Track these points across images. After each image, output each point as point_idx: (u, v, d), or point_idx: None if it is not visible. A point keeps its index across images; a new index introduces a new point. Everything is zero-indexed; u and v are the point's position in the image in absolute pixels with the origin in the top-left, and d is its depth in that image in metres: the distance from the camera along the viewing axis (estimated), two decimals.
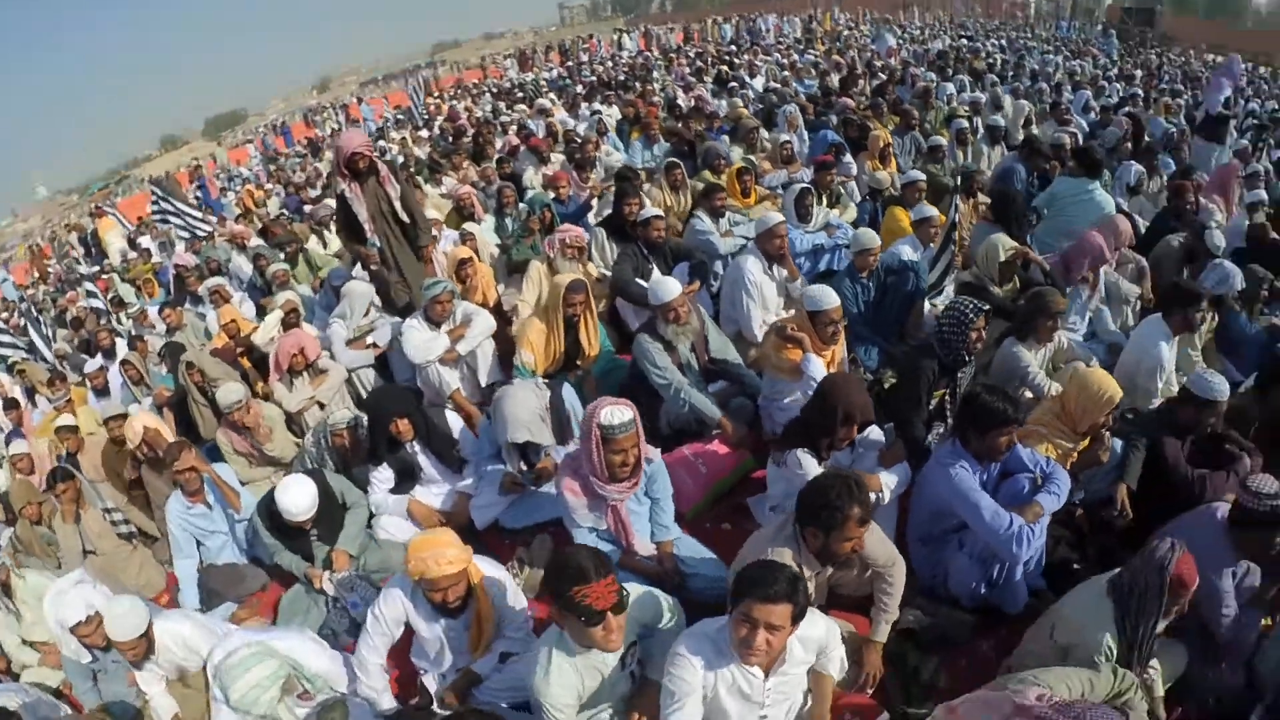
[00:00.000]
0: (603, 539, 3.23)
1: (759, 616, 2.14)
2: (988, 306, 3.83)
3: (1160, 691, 2.60)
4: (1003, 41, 24.21)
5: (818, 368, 3.84)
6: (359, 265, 5.74)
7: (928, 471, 3.25)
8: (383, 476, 4.00)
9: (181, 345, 6.14)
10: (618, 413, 2.99)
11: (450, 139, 14.24)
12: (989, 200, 6.90)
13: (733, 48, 22.29)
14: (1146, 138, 9.72)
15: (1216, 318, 4.96)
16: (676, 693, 2.26)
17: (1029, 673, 2.28)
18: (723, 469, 4.06)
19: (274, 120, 37.81)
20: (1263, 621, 2.97)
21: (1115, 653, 2.48)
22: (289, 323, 5.48)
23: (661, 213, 5.71)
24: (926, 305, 5.42)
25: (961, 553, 3.14)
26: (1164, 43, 29.25)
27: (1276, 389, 3.75)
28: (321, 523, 3.63)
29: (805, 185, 6.27)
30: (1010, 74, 16.02)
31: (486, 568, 2.93)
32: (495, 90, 22.21)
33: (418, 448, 4.06)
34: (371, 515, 4.03)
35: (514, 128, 12.84)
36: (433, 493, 4.15)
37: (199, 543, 4.12)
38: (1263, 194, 7.24)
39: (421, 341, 4.69)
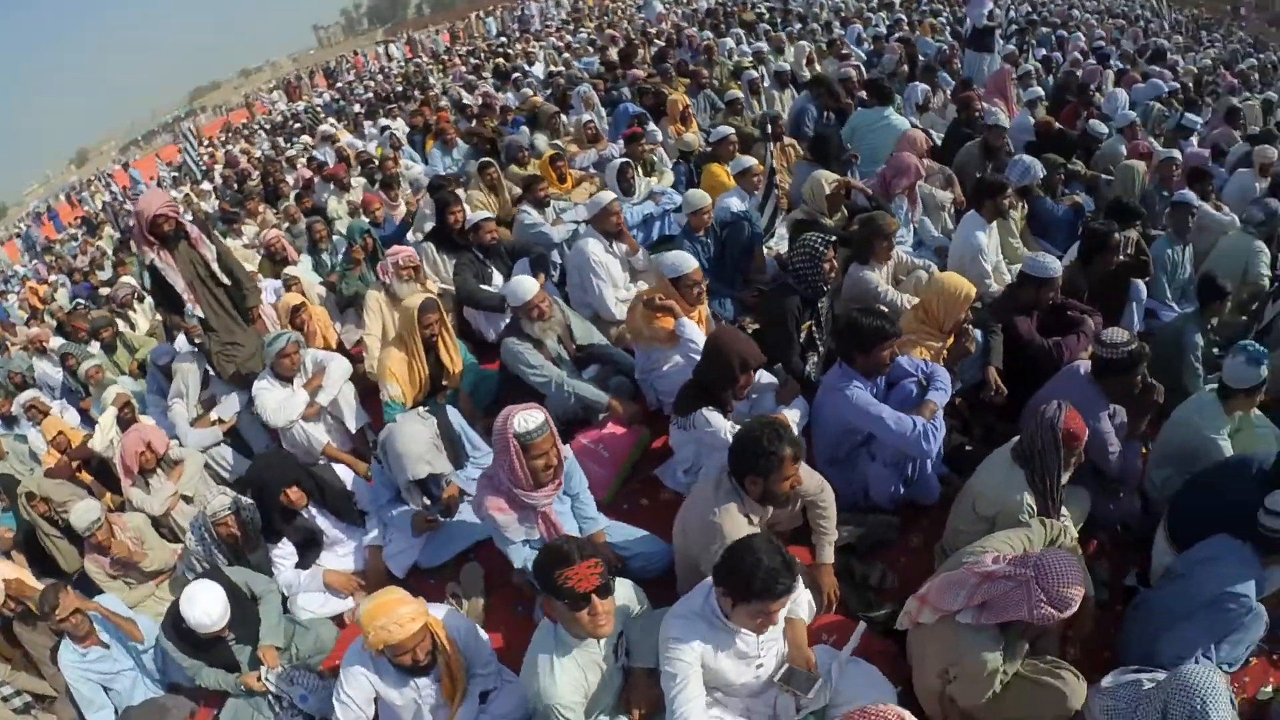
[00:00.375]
0: (537, 548, 3.20)
1: (775, 609, 2.32)
2: (834, 238, 4.20)
3: (1075, 533, 3.02)
4: None
5: (692, 329, 4.07)
6: (182, 337, 5.34)
7: (823, 398, 3.55)
8: (285, 553, 3.78)
9: (11, 477, 5.46)
10: (529, 418, 3.00)
11: (236, 186, 13.71)
12: (802, 141, 7.55)
13: (503, 40, 22.49)
14: (921, 58, 10.83)
15: (1026, 206, 5.71)
16: (678, 675, 2.37)
17: (975, 544, 2.61)
18: (624, 448, 4.19)
19: (35, 208, 35.52)
20: (1142, 450, 3.54)
21: (1035, 509, 2.88)
22: (125, 419, 5.09)
23: (489, 214, 5.75)
24: (764, 250, 5.83)
25: (875, 463, 3.49)
26: None
27: (1097, 257, 4.43)
28: (236, 625, 3.37)
29: (624, 159, 6.50)
30: (779, 20, 17.22)
31: (436, 612, 2.87)
32: (269, 126, 21.58)
33: (314, 511, 3.88)
34: (285, 598, 3.78)
35: (302, 160, 12.49)
36: (340, 555, 3.97)
37: (106, 689, 3.70)
38: (1039, 90, 8.39)
39: (278, 402, 4.47)
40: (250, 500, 3.88)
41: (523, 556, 3.22)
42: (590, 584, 2.34)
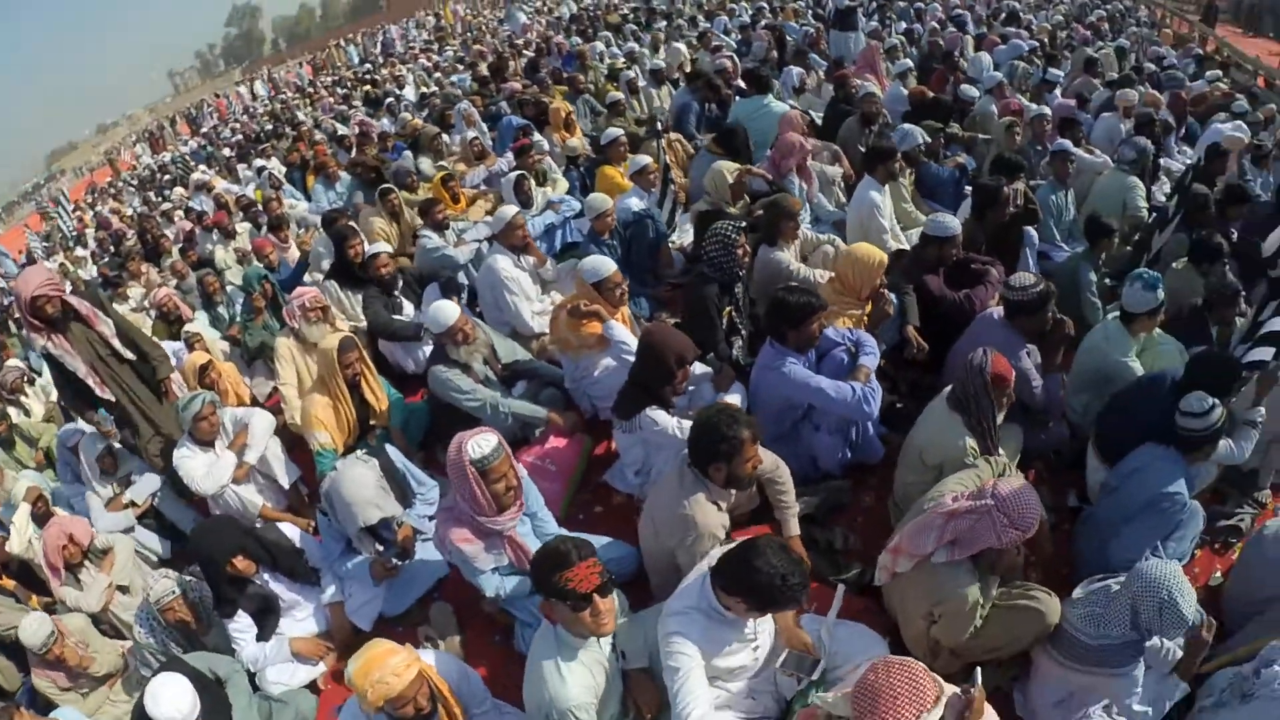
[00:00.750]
0: (507, 574, 3.25)
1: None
2: (744, 224, 4.40)
3: (1014, 467, 3.26)
4: None
5: (621, 331, 4.17)
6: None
7: (760, 378, 3.71)
8: (242, 626, 3.60)
9: None
10: (483, 443, 3.01)
11: (113, 248, 13.12)
12: (688, 135, 7.81)
13: (367, 66, 22.22)
14: (789, 42, 11.31)
15: (912, 172, 6.08)
16: (681, 669, 2.43)
17: (933, 490, 2.82)
18: (570, 459, 4.24)
19: None
20: (1061, 381, 3.91)
21: (977, 450, 3.13)
22: (41, 514, 4.72)
23: (383, 246, 5.67)
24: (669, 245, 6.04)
25: (820, 433, 3.69)
26: None
27: (990, 211, 4.82)
28: (207, 715, 3.18)
29: (518, 172, 6.56)
30: (644, 20, 17.59)
31: (425, 657, 2.84)
32: (136, 182, 20.89)
33: (266, 576, 3.72)
34: (252, 674, 3.60)
35: (179, 213, 12.03)
36: (299, 619, 3.81)
37: None
38: (908, 62, 8.92)
39: (203, 470, 4.27)
40: (195, 577, 3.71)
41: (494, 585, 3.21)
42: (591, 583, 2.38)
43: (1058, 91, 8.47)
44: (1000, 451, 3.25)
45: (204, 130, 24.50)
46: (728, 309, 4.38)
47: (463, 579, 3.63)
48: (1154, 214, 5.53)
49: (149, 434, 4.70)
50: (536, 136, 8.18)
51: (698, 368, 4.06)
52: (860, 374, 3.56)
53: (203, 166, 16.31)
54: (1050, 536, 3.15)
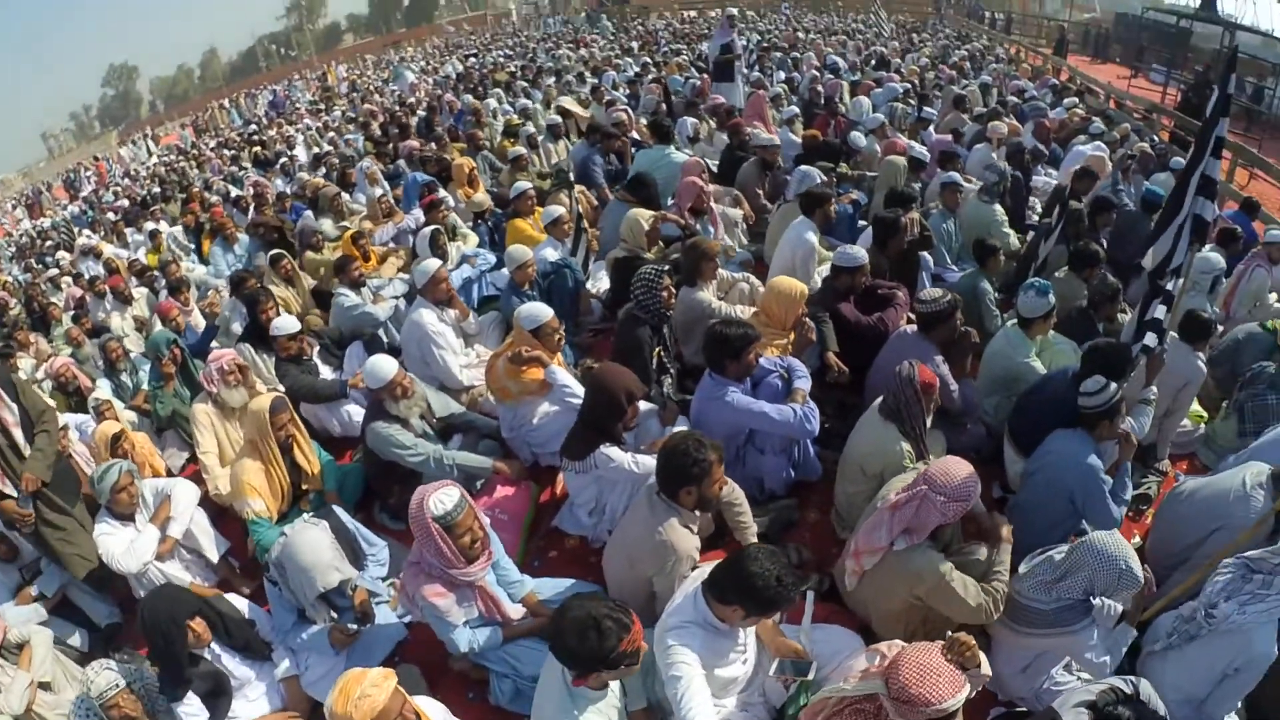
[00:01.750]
0: (478, 626, 3.23)
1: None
2: (667, 267, 4.61)
3: None
4: (506, 51, 27.13)
5: (564, 375, 4.27)
6: None
7: (702, 408, 3.87)
8: (193, 710, 3.38)
9: None
10: (444, 498, 2.98)
11: None
12: (590, 187, 8.07)
13: (252, 127, 21.85)
14: (675, 95, 11.84)
15: None
16: (683, 676, 2.50)
17: (879, 494, 3.02)
18: (520, 506, 4.25)
19: None
20: (973, 386, 4.29)
21: (913, 454, 3.40)
22: None
23: (290, 328, 5.26)
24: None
25: (766, 455, 3.90)
26: (640, 14, 35.49)
27: (891, 240, 5.22)
28: None
29: (434, 227, 6.60)
30: (532, 77, 18.03)
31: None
32: (13, 250, 19.81)
33: (218, 649, 3.53)
34: None
35: (67, 279, 11.49)
36: (251, 699, 3.60)
37: None
38: (794, 109, 9.48)
39: (123, 547, 4.01)
40: (133, 664, 3.43)
41: (467, 639, 3.17)
42: (641, 635, 2.42)
43: (931, 128, 9.22)
44: (930, 455, 3.53)
45: (84, 194, 23.50)
46: (657, 349, 4.55)
47: (424, 640, 3.66)
48: (1032, 231, 6.09)
49: (69, 540, 4.31)
50: (442, 192, 8.25)
51: (643, 405, 4.20)
52: (797, 396, 3.81)
53: (87, 231, 15.63)
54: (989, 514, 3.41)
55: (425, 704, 2.78)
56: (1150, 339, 3.91)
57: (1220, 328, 5.23)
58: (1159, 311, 3.88)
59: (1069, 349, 4.39)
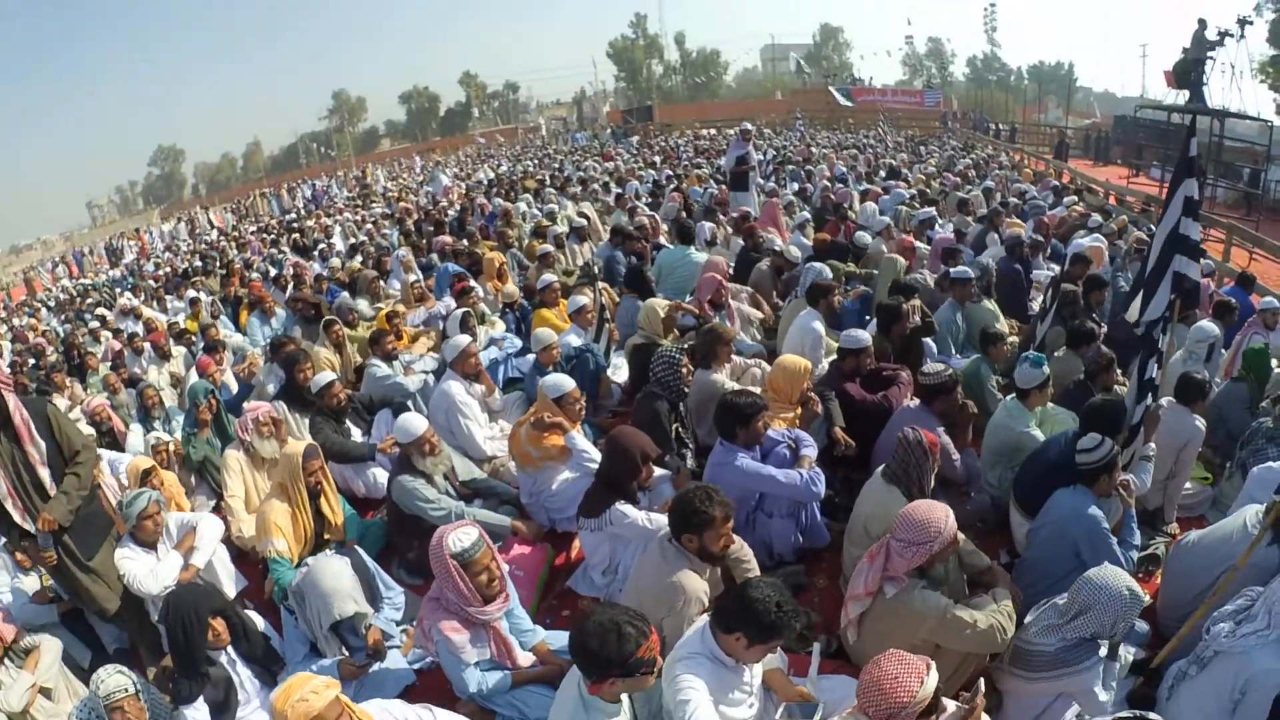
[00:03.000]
0: (488, 669, 3.29)
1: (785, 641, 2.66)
2: (685, 348, 4.88)
3: None
4: (534, 162, 28.49)
5: (582, 440, 4.50)
6: None
7: (713, 475, 4.01)
8: (200, 715, 3.40)
9: None
10: (462, 537, 3.11)
11: (35, 361, 12.68)
12: (614, 283, 8.45)
13: (291, 216, 22.85)
14: (695, 203, 12.43)
15: None
16: (690, 700, 2.56)
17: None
18: (536, 565, 4.36)
19: None
20: (975, 455, 4.46)
21: None
22: None
23: (333, 375, 5.79)
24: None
25: (774, 519, 4.04)
26: (664, 130, 37.19)
27: (895, 326, 5.51)
28: None
29: (465, 310, 6.94)
30: (560, 184, 18.86)
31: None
32: (52, 304, 20.63)
33: (234, 656, 3.59)
34: None
35: (106, 334, 11.88)
36: None
37: None
38: (806, 214, 9.98)
39: (146, 570, 4.11)
40: (144, 683, 3.40)
41: (476, 680, 3.23)
42: (658, 642, 2.53)
43: (936, 228, 9.65)
44: None
45: (125, 262, 24.47)
46: (675, 424, 4.75)
47: (431, 687, 3.72)
48: (1034, 313, 6.37)
49: (92, 583, 4.12)
50: (473, 283, 8.64)
51: (657, 471, 4.37)
52: (804, 463, 3.98)
53: (128, 294, 16.20)
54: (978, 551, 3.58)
55: (369, 706, 2.84)
56: (1147, 399, 4.06)
57: (1213, 392, 5.38)
58: (1153, 371, 4.04)
59: (1068, 418, 4.53)
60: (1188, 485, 4.75)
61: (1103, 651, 2.92)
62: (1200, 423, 4.52)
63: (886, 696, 2.24)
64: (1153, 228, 11.88)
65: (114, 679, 3.22)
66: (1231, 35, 19.30)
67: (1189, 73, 20.34)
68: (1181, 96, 21.54)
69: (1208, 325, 5.71)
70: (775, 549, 4.11)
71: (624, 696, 2.68)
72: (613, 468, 3.87)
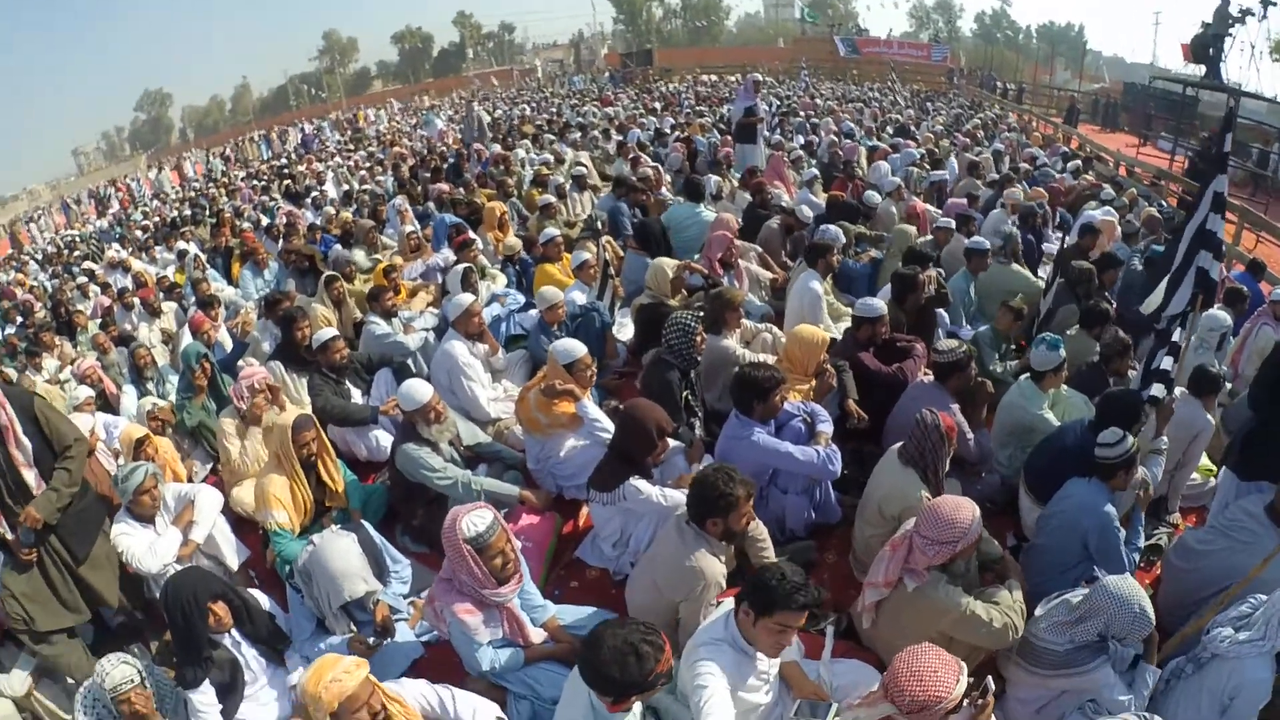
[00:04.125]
0: (500, 647, 3.26)
1: (792, 622, 2.60)
2: (700, 314, 4.76)
3: None
4: (530, 106, 27.87)
5: (594, 409, 4.39)
6: None
7: (728, 447, 3.96)
8: (208, 701, 3.31)
9: None
10: (477, 520, 3.03)
11: (21, 319, 12.42)
12: (618, 236, 8.26)
13: (283, 161, 22.39)
14: (699, 153, 12.16)
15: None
16: (708, 687, 2.55)
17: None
18: (545, 535, 4.30)
19: None
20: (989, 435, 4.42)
21: (930, 499, 3.43)
22: None
23: (335, 332, 5.64)
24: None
25: (788, 495, 3.99)
26: (664, 75, 36.43)
27: (910, 296, 5.38)
28: None
29: (465, 265, 6.77)
30: (559, 130, 18.47)
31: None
32: (39, 256, 20.32)
33: (239, 637, 3.51)
34: None
35: (95, 288, 11.62)
36: (262, 704, 3.55)
37: None
38: (814, 171, 9.76)
39: (144, 547, 4.03)
40: (148, 665, 3.36)
41: (489, 659, 3.20)
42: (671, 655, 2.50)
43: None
44: None
45: (113, 212, 24.09)
46: (685, 391, 4.67)
47: (440, 660, 3.70)
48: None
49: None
50: (473, 235, 8.45)
51: (670, 443, 4.29)
52: (821, 439, 3.92)
53: (116, 245, 15.92)
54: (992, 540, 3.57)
55: (401, 686, 2.84)
56: (1158, 389, 4.05)
57: (1229, 384, 5.34)
58: (1166, 362, 4.03)
59: (1081, 402, 4.51)
60: (1194, 476, 4.73)
61: (1111, 646, 2.92)
62: (1211, 416, 4.49)
63: (926, 689, 2.23)
64: (1163, 203, 11.92)
65: (119, 670, 3.12)
66: (1254, 14, 18.97)
67: (1208, 48, 20.13)
68: (1198, 70, 21.27)
69: (1219, 314, 5.65)
70: (788, 525, 4.07)
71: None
72: (627, 441, 3.79)
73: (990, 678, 2.40)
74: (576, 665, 2.55)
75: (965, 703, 2.35)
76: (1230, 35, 19.81)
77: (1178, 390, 4.40)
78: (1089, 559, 3.48)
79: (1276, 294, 6.30)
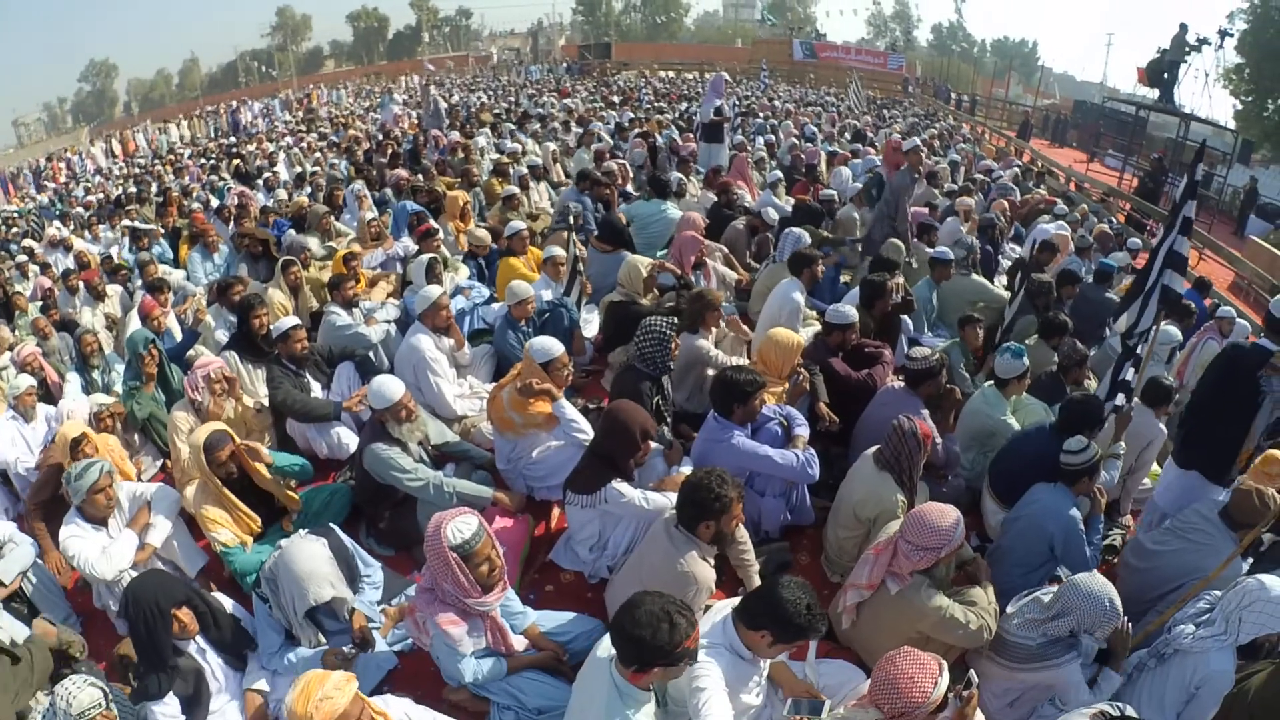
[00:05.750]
0: (482, 657, 3.19)
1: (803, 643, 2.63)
2: (674, 320, 4.72)
3: None
4: (487, 94, 27.51)
5: (571, 410, 4.32)
6: None
7: (706, 450, 3.96)
8: (170, 713, 3.16)
9: None
10: (462, 527, 2.94)
11: None
12: (581, 231, 8.17)
13: (232, 139, 21.71)
14: (661, 150, 12.15)
15: None
16: (707, 688, 2.56)
17: (874, 540, 3.24)
18: (519, 539, 4.21)
19: None
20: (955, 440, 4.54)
21: (906, 503, 3.57)
22: None
23: (296, 320, 5.44)
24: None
25: (765, 497, 4.02)
26: (621, 69, 36.38)
27: (878, 302, 5.51)
28: None
29: (430, 255, 6.62)
30: (516, 120, 18.26)
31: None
32: None
33: (204, 645, 3.34)
34: None
35: (34, 268, 11.04)
36: (226, 715, 3.37)
37: None
38: (779, 173, 9.82)
39: (96, 552, 3.76)
40: (106, 684, 3.02)
41: (472, 670, 3.12)
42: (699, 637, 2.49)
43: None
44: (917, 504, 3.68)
45: (54, 187, 23.01)
46: (656, 397, 4.64)
47: (415, 670, 3.60)
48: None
49: None
50: (435, 224, 8.27)
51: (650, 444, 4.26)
52: (798, 442, 3.96)
53: (57, 223, 15.16)
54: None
55: (386, 703, 2.76)
56: (1120, 399, 4.28)
57: (1176, 395, 5.58)
58: (1129, 373, 4.27)
59: (1040, 409, 4.74)
60: (1144, 481, 4.97)
61: (1084, 646, 3.05)
62: (1163, 425, 4.74)
63: (902, 695, 2.31)
64: (1113, 219, 12.32)
65: (86, 693, 2.82)
66: (1210, 43, 19.77)
67: (1163, 73, 20.83)
68: (1151, 93, 22.07)
69: (1171, 329, 5.91)
70: (763, 526, 4.10)
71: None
72: (610, 443, 3.74)
73: (973, 671, 2.47)
74: (609, 629, 2.54)
75: (950, 696, 2.42)
76: (1186, 62, 20.58)
77: (1135, 400, 4.60)
78: (1053, 559, 3.65)
79: (1225, 312, 6.59)
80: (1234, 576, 3.25)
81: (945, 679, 2.34)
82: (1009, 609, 3.24)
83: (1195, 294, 8.02)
